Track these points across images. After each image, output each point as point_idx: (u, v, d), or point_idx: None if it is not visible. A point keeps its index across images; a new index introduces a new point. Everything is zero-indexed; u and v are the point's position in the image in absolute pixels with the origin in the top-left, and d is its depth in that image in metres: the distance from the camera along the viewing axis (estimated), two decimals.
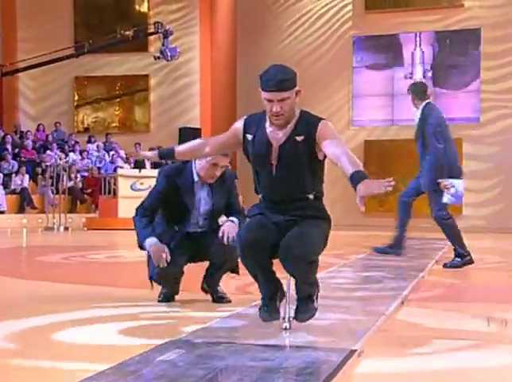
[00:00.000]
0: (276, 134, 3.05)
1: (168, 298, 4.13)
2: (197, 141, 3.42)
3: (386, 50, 18.90)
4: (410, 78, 18.54)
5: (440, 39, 18.51)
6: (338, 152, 2.91)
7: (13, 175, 16.70)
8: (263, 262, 3.04)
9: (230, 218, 4.09)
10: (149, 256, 3.99)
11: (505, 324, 3.54)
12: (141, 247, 3.97)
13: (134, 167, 16.28)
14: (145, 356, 2.63)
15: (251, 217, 3.16)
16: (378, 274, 5.49)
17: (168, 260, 3.87)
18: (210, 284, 4.16)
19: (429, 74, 18.74)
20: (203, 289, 4.21)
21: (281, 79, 2.93)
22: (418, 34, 18.67)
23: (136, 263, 6.97)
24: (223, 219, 4.14)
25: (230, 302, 4.11)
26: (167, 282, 4.07)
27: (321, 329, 3.20)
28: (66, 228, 14.59)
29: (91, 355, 2.80)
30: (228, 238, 3.91)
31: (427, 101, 6.65)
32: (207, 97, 19.88)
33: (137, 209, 4.05)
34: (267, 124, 3.07)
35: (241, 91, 19.84)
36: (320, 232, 3.04)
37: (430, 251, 8.10)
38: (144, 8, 20.53)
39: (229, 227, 3.98)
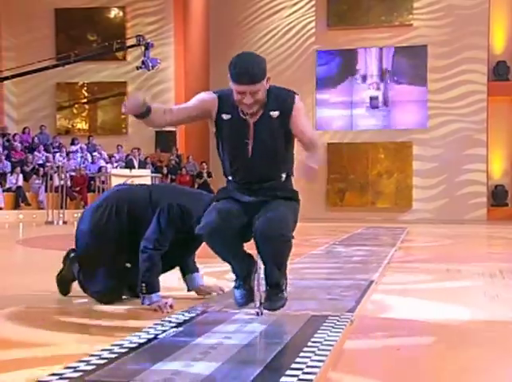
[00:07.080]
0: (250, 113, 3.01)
1: None
2: (164, 107, 3.10)
3: (346, 63, 20.69)
4: (369, 89, 20.68)
5: (392, 54, 20.42)
6: (304, 140, 3.00)
7: (8, 175, 18.14)
8: (231, 248, 3.05)
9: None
10: None
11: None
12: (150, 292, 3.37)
13: (125, 167, 17.73)
14: None
15: (217, 201, 3.12)
16: (365, 248, 7.52)
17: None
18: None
19: (384, 85, 20.81)
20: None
21: (253, 73, 2.87)
22: (373, 49, 20.50)
23: None
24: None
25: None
26: None
27: (344, 270, 5.14)
28: (64, 222, 16.18)
29: None
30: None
31: None
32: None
33: (153, 241, 3.37)
34: None
35: None
36: (291, 212, 3.05)
37: (394, 235, 10.21)
38: (122, 20, 22.04)
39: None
